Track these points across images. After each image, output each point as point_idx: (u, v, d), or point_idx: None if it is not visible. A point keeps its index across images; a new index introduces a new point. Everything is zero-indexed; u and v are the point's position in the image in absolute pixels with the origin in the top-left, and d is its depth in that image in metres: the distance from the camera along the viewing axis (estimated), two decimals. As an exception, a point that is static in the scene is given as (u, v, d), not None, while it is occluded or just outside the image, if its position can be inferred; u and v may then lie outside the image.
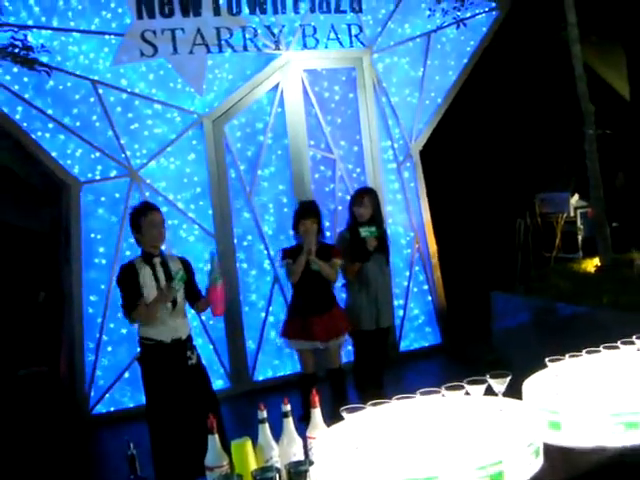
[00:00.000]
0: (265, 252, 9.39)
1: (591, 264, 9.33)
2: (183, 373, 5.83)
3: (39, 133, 8.38)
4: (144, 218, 5.81)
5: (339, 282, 7.36)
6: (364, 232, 7.08)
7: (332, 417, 3.38)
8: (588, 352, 3.79)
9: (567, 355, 3.76)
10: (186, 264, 6.05)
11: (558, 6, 9.17)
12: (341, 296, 7.49)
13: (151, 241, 5.86)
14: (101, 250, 8.66)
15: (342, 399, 6.60)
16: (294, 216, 7.11)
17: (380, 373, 7.49)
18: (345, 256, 7.12)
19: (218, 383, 8.82)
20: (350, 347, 7.55)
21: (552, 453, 3.25)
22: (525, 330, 8.62)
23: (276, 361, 9.41)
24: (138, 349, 6.01)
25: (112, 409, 8.62)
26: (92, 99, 8.58)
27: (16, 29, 7.89)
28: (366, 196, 7.35)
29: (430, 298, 10.35)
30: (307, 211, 7.01)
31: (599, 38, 11.26)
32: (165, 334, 5.80)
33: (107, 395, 8.63)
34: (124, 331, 8.50)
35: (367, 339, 7.30)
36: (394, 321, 7.72)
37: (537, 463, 3.11)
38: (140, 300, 5.70)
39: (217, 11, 9.02)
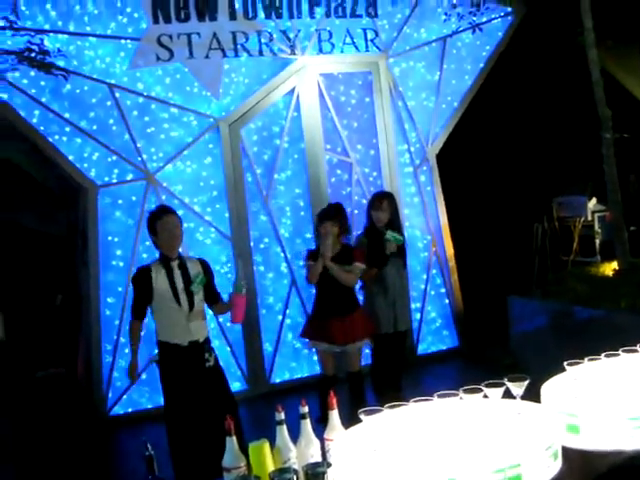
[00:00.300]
0: (282, 255, 9.39)
1: (609, 268, 9.29)
2: (200, 375, 5.86)
3: (56, 137, 8.42)
4: (160, 221, 5.84)
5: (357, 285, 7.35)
6: (390, 236, 7.07)
7: (350, 420, 3.38)
8: (607, 356, 3.77)
9: (586, 359, 3.75)
10: (205, 266, 6.08)
11: (574, 11, 9.14)
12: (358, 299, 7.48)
13: (167, 244, 5.88)
14: (118, 253, 8.69)
15: (360, 402, 6.58)
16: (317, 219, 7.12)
17: (398, 376, 7.49)
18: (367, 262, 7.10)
19: (235, 385, 8.81)
20: (368, 350, 7.53)
21: (570, 456, 3.24)
22: (543, 334, 8.58)
23: (293, 363, 9.41)
24: (156, 350, 6.04)
25: (130, 410, 8.65)
26: (109, 103, 8.61)
27: (33, 33, 7.92)
28: (385, 200, 7.35)
29: (447, 301, 10.33)
30: (326, 214, 6.99)
31: (616, 43, 11.21)
32: (182, 337, 5.82)
33: (125, 396, 8.65)
34: (142, 332, 8.50)
35: (385, 342, 7.30)
36: (412, 324, 7.71)
37: (555, 466, 3.10)
38: (145, 310, 5.98)
39: (233, 15, 9.03)
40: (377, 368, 7.44)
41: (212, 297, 6.11)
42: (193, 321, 5.87)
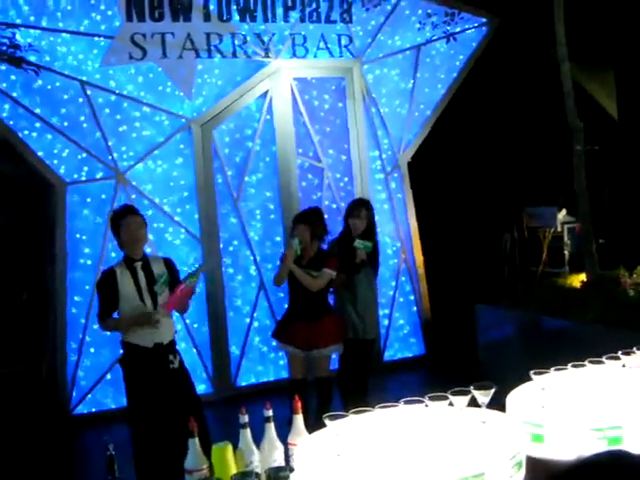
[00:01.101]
0: (251, 258, 9.36)
1: (577, 279, 9.34)
2: (165, 377, 5.77)
3: (26, 132, 8.36)
4: (123, 222, 5.78)
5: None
6: (359, 244, 7.00)
7: (316, 425, 3.35)
8: (574, 366, 3.78)
9: (552, 369, 3.74)
10: (170, 265, 5.99)
11: (548, 23, 9.20)
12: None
13: (131, 245, 5.82)
14: (86, 251, 8.63)
15: (326, 407, 6.53)
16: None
17: (365, 384, 7.46)
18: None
19: (201, 388, 8.75)
20: (334, 356, 7.51)
21: (534, 466, 3.23)
22: (510, 343, 8.62)
23: (260, 367, 9.38)
24: (120, 351, 5.96)
25: (94, 410, 8.58)
26: (80, 100, 8.56)
27: (4, 27, 7.87)
28: (363, 208, 7.31)
29: (415, 309, 10.33)
30: (301, 216, 7.06)
31: (588, 57, 11.31)
32: (147, 339, 5.73)
33: (89, 396, 8.60)
34: (107, 332, 8.45)
35: (352, 349, 7.26)
36: (379, 332, 7.70)
37: (519, 476, 3.08)
38: (112, 314, 5.81)
39: (207, 17, 9.04)
40: (343, 374, 7.41)
41: None
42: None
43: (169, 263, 6.01)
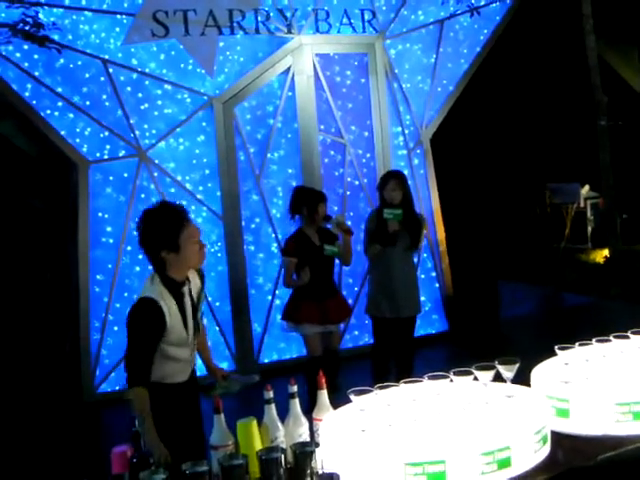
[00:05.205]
0: (273, 235, 9.35)
1: (600, 255, 9.31)
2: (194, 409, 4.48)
3: (48, 111, 8.35)
4: (186, 231, 4.11)
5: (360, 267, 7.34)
6: (388, 214, 6.88)
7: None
8: (598, 341, 3.76)
9: (577, 343, 3.73)
10: (203, 278, 4.50)
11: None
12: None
13: (189, 264, 4.24)
14: (108, 229, 8.65)
15: (337, 378, 6.92)
16: (308, 199, 7.17)
17: (407, 360, 7.35)
18: (370, 238, 7.14)
19: (223, 365, 8.81)
20: (357, 332, 7.49)
21: (560, 440, 3.24)
22: (533, 318, 8.61)
23: (282, 344, 9.38)
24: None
25: (117, 388, 8.61)
26: (102, 78, 8.54)
27: (27, 6, 7.86)
28: (392, 179, 7.11)
29: (437, 285, 10.30)
30: (322, 195, 7.28)
31: (614, 33, 11.21)
32: (185, 371, 4.35)
33: (112, 374, 8.62)
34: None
35: (385, 327, 7.21)
36: (420, 310, 7.43)
37: (544, 450, 3.09)
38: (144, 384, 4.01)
39: (230, -7, 9.00)
40: (375, 351, 7.39)
41: None
42: (193, 347, 4.38)
43: (202, 275, 4.50)
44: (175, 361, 4.20)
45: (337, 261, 7.35)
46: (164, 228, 4.09)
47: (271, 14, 9.20)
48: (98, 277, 8.62)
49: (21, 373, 9.03)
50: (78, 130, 8.50)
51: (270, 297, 9.33)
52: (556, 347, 3.63)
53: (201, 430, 4.32)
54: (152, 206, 4.26)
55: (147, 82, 8.75)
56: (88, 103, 8.50)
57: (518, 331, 8.72)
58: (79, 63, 8.43)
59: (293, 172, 9.47)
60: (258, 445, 3.04)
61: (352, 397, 3.13)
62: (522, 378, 3.48)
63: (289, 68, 9.34)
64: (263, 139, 9.33)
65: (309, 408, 3.36)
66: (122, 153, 8.72)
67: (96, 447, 7.35)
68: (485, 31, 10.50)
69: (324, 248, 7.00)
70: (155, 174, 8.74)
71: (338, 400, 3.40)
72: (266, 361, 9.31)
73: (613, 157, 9.20)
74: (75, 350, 8.71)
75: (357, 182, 9.77)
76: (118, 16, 8.54)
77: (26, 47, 8.07)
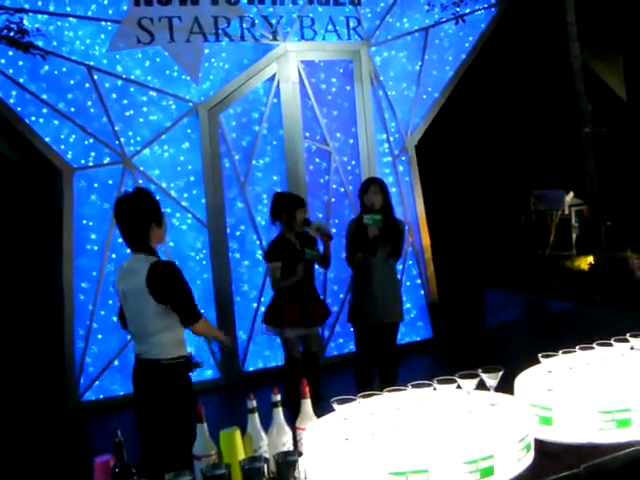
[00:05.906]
0: (258, 242, 9.34)
1: (584, 262, 9.33)
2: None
3: (33, 118, 8.33)
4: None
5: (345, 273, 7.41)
6: (368, 219, 6.81)
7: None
8: (581, 348, 3.77)
9: (560, 351, 3.74)
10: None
11: (558, 4, 9.15)
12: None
13: (163, 236, 5.01)
14: (93, 237, 8.63)
15: (319, 379, 7.24)
16: (286, 205, 7.28)
17: (391, 368, 7.32)
18: (351, 245, 7.14)
19: (208, 373, 8.83)
20: (341, 340, 7.49)
21: (543, 449, 3.24)
22: (518, 326, 8.62)
23: (267, 352, 9.37)
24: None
25: (101, 397, 8.59)
26: (87, 85, 8.53)
27: (12, 12, 7.85)
28: (373, 184, 7.06)
29: (423, 292, 10.33)
30: (301, 201, 7.44)
31: (598, 40, 11.24)
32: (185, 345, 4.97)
33: (97, 382, 8.60)
34: (115, 319, 8.43)
35: (368, 334, 7.19)
36: (402, 318, 7.40)
37: (528, 458, 3.09)
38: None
39: (215, 0, 8.99)
40: (358, 359, 7.37)
41: None
42: None
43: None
44: (182, 333, 4.94)
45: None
46: (154, 204, 4.78)
47: (256, 21, 9.22)
48: (83, 285, 8.60)
49: (5, 381, 8.98)
50: (63, 137, 8.49)
51: (255, 304, 9.33)
52: (539, 355, 3.63)
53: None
54: (130, 192, 4.91)
55: (132, 89, 8.75)
56: (73, 110, 8.49)
57: (503, 338, 8.73)
58: (64, 70, 8.42)
59: (278, 179, 9.47)
60: (241, 455, 3.03)
61: (335, 406, 3.12)
62: (506, 386, 3.48)
63: (274, 75, 9.35)
64: (248, 146, 9.34)
65: (285, 402, 3.35)
66: (107, 160, 8.71)
67: (79, 456, 7.33)
68: (470, 38, 10.55)
69: (305, 252, 7.06)
70: (140, 181, 8.72)
71: (322, 409, 3.39)
72: (251, 369, 9.30)
73: (598, 164, 9.23)
74: (59, 358, 8.67)
75: (342, 189, 9.79)
76: (103, 23, 8.55)
77: (11, 53, 8.07)
